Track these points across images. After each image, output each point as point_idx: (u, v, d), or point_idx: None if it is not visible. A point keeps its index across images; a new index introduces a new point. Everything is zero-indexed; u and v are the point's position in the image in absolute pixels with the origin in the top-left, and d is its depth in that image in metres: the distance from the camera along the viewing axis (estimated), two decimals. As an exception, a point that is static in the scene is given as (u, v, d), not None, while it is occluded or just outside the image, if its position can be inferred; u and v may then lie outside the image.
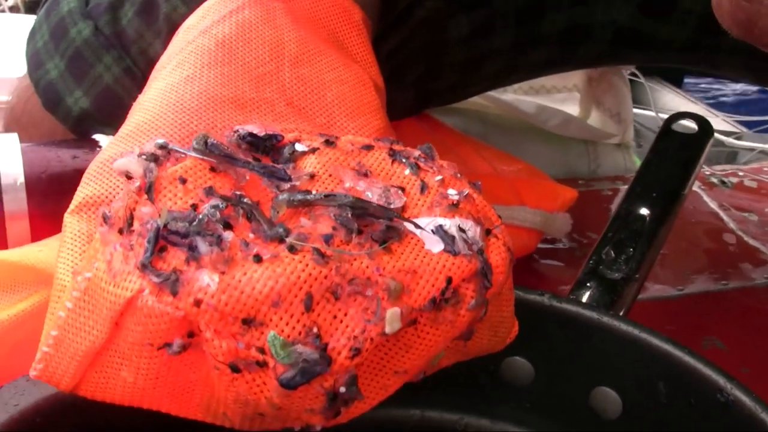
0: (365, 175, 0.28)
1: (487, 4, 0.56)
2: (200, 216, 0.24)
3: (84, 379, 0.26)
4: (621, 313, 0.38)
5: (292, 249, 0.24)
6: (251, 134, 0.28)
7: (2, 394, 0.29)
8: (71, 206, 0.28)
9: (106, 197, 0.27)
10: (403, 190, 0.27)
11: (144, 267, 0.23)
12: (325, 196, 0.26)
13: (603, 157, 0.85)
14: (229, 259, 0.23)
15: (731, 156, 1.35)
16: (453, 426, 0.37)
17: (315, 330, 0.23)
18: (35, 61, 0.59)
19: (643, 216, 0.44)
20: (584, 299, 0.38)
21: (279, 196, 0.26)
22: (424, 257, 0.25)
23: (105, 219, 0.25)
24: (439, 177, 0.28)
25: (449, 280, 0.25)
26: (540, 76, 0.75)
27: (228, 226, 0.24)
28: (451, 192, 0.28)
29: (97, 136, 0.51)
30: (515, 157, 0.65)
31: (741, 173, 0.90)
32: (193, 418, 0.26)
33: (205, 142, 0.27)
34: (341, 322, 0.24)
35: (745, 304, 0.63)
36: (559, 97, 0.85)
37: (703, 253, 0.71)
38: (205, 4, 0.33)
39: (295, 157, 0.28)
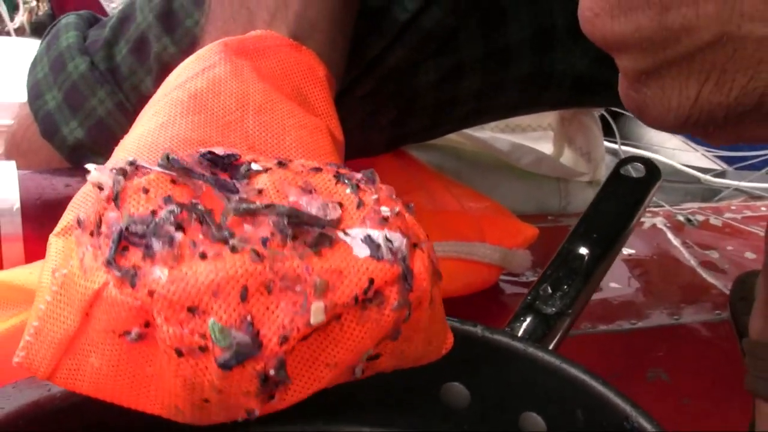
0: (309, 192, 0.31)
1: (453, 52, 0.59)
2: (157, 220, 0.28)
3: (59, 365, 0.29)
4: (552, 345, 0.41)
5: (234, 249, 0.27)
6: (211, 152, 0.32)
7: (-10, 400, 0.33)
8: (57, 229, 0.31)
9: None
10: (341, 205, 0.31)
11: (109, 263, 0.27)
12: (266, 206, 0.29)
13: (574, 194, 0.88)
14: (178, 256, 0.27)
15: (709, 193, 1.38)
16: (398, 444, 0.41)
17: (249, 318, 0.27)
18: (35, 92, 0.62)
19: (582, 255, 0.47)
20: (520, 332, 0.42)
21: (228, 205, 0.30)
22: (351, 260, 0.28)
23: (79, 223, 0.29)
24: (375, 196, 0.32)
25: (371, 281, 0.28)
26: (510, 117, 0.78)
27: (180, 228, 0.28)
28: (384, 209, 0.31)
29: (88, 166, 0.55)
30: (482, 195, 0.68)
31: (708, 212, 0.94)
32: (152, 413, 0.29)
33: (168, 158, 0.31)
34: (272, 313, 0.27)
35: (694, 338, 0.66)
36: (534, 135, 0.88)
37: (661, 289, 0.74)
38: (182, 63, 0.37)
39: (249, 174, 0.32)
